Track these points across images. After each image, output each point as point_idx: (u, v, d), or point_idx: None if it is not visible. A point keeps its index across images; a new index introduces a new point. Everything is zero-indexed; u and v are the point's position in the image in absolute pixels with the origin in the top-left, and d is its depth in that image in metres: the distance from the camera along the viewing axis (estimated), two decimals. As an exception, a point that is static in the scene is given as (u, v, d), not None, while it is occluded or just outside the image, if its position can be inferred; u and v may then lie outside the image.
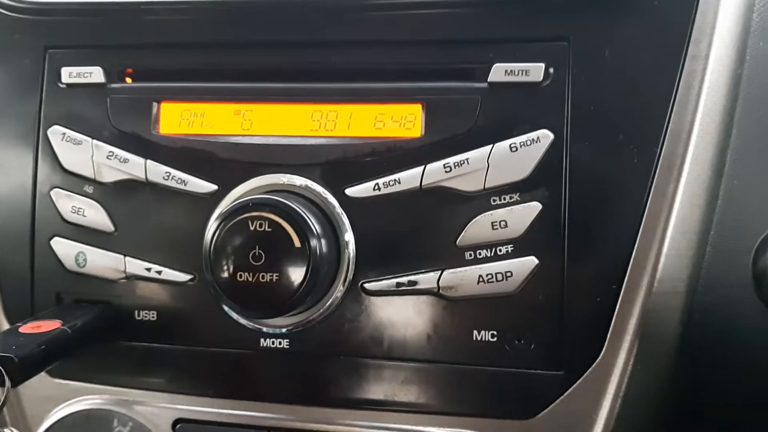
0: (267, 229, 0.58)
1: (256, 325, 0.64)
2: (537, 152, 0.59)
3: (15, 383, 0.55)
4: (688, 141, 0.59)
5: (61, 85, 0.69)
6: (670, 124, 0.59)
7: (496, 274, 0.60)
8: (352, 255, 0.62)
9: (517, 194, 0.60)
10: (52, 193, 0.68)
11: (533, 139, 0.59)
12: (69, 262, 0.68)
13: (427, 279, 0.61)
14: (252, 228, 0.58)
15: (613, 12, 0.60)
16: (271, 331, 0.64)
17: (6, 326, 0.70)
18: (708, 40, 0.59)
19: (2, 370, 0.54)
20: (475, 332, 0.61)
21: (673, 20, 0.59)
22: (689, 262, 0.59)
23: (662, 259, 0.58)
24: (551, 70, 0.60)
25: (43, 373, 0.62)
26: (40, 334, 0.59)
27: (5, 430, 0.67)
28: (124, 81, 0.69)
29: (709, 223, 0.60)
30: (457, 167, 0.60)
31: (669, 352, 0.60)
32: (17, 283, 0.69)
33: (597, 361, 0.59)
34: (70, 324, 0.62)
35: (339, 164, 0.63)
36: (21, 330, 0.60)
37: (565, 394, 0.60)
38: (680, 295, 0.59)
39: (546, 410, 0.60)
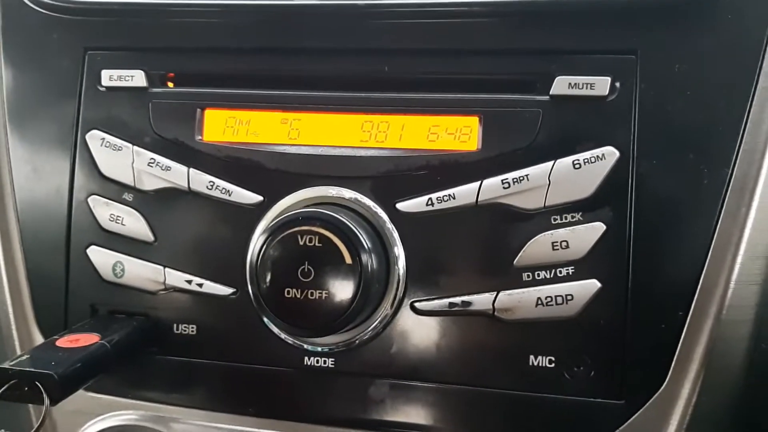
0: (317, 244, 0.55)
1: (299, 343, 0.62)
2: (602, 170, 0.57)
3: (54, 402, 0.53)
4: (761, 162, 0.56)
5: (101, 89, 0.67)
6: (743, 144, 0.56)
7: (555, 297, 0.57)
8: (402, 273, 0.60)
9: (580, 214, 0.57)
10: (89, 200, 0.66)
11: (598, 156, 0.57)
12: (106, 272, 0.66)
13: (482, 300, 0.58)
14: (301, 243, 0.56)
15: (683, 25, 0.57)
16: (314, 349, 0.62)
17: (38, 337, 0.68)
18: (784, 56, 0.56)
19: (41, 387, 0.52)
20: (532, 357, 0.58)
21: (746, 34, 0.57)
22: (759, 289, 0.56)
23: (732, 286, 0.56)
24: (618, 84, 0.57)
25: (76, 387, 0.59)
26: (79, 348, 0.57)
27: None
28: (166, 86, 0.66)
29: (780, 248, 0.57)
30: (516, 183, 0.58)
31: (736, 382, 0.57)
32: (51, 293, 0.67)
33: (660, 390, 0.56)
34: (108, 338, 0.59)
35: (390, 177, 0.60)
36: (58, 344, 0.58)
37: (626, 424, 0.57)
38: (749, 323, 0.56)
39: (605, 441, 0.57)
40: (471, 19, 0.60)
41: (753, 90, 0.56)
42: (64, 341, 0.59)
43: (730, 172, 0.56)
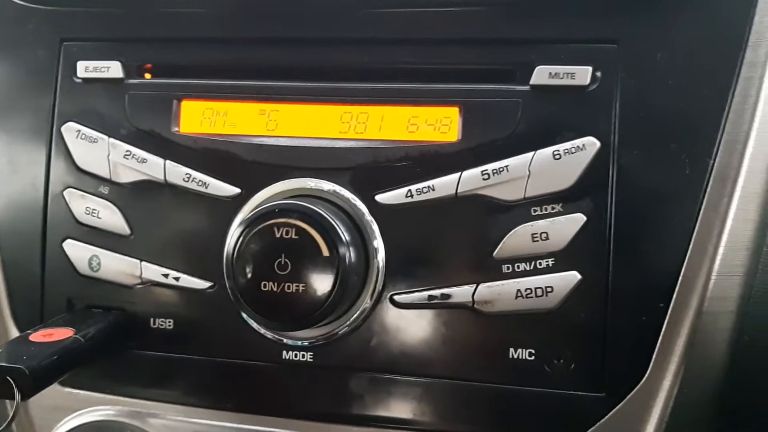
0: (294, 236, 0.55)
1: (278, 337, 0.61)
2: (582, 161, 0.56)
3: (25, 396, 0.52)
4: (743, 152, 0.55)
5: (77, 80, 0.66)
6: (725, 134, 0.55)
7: (535, 289, 0.56)
8: (381, 265, 0.59)
9: (560, 205, 0.56)
10: (65, 193, 0.65)
11: (578, 147, 0.56)
12: (82, 266, 0.65)
13: (461, 292, 0.57)
14: (278, 235, 0.55)
15: (665, 13, 0.56)
16: (293, 343, 0.61)
17: (14, 332, 0.67)
18: (766, 45, 0.55)
19: (12, 382, 0.51)
20: (512, 350, 0.57)
21: (728, 23, 0.56)
22: (741, 280, 0.56)
23: (713, 277, 0.55)
24: (599, 73, 0.56)
25: (52, 382, 0.58)
26: (52, 343, 0.56)
27: None
28: (143, 77, 0.65)
29: (761, 240, 0.56)
30: (495, 174, 0.57)
31: (717, 374, 0.56)
32: (27, 287, 0.66)
33: (641, 383, 0.56)
34: (83, 332, 0.59)
35: (369, 169, 0.59)
36: (31, 338, 0.57)
37: (606, 417, 0.56)
38: (730, 315, 0.56)
39: (585, 434, 0.57)
40: (451, 9, 0.59)
41: (735, 79, 0.55)
42: (38, 335, 0.58)
43: (711, 162, 0.55)
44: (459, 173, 0.58)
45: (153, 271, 0.63)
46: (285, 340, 0.61)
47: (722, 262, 0.55)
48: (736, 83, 0.55)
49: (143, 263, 0.63)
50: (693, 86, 0.56)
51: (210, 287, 0.62)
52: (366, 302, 0.59)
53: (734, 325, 0.56)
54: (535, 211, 0.57)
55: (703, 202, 0.55)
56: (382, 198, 0.59)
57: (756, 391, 0.58)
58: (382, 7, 0.60)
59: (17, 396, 0.51)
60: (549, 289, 0.56)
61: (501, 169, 0.57)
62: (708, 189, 0.55)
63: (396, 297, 0.59)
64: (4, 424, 0.54)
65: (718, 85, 0.55)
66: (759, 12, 0.56)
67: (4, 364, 0.52)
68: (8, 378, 0.51)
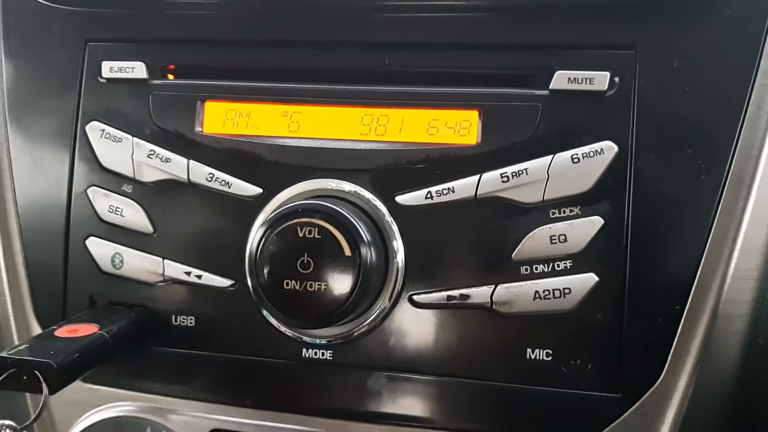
0: (316, 236, 0.56)
1: (297, 335, 0.62)
2: (600, 164, 0.57)
3: (53, 391, 0.53)
4: (758, 158, 0.56)
5: (101, 80, 0.67)
6: (741, 140, 0.56)
7: (553, 290, 0.57)
8: (401, 265, 0.60)
9: (578, 208, 0.57)
10: (88, 191, 0.66)
11: (596, 151, 0.57)
12: (105, 264, 0.66)
13: (479, 293, 0.58)
14: (301, 234, 0.56)
15: (682, 21, 0.57)
16: (312, 341, 0.62)
17: (36, 328, 0.68)
18: (782, 53, 0.56)
19: (40, 376, 0.52)
20: (529, 351, 0.58)
21: (745, 30, 0.57)
22: (755, 283, 0.57)
23: (728, 280, 0.56)
24: (617, 79, 0.57)
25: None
26: (78, 338, 0.57)
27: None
28: (166, 77, 0.66)
29: (776, 244, 0.57)
30: (515, 177, 0.58)
31: (732, 376, 0.57)
32: (49, 284, 0.67)
33: (656, 384, 0.57)
34: (107, 329, 0.59)
35: (390, 171, 0.60)
36: (57, 334, 0.58)
37: (622, 417, 0.57)
38: (745, 318, 0.57)
39: (602, 434, 0.57)
40: (472, 13, 0.60)
41: (751, 86, 0.56)
42: (63, 331, 0.59)
43: (727, 167, 0.56)
44: (478, 175, 0.59)
45: (175, 269, 0.64)
46: (305, 339, 0.62)
47: (737, 266, 0.56)
48: (752, 90, 0.56)
49: (166, 261, 0.64)
50: (709, 93, 0.57)
51: (231, 285, 0.63)
52: (385, 302, 0.60)
53: (748, 328, 0.57)
54: (553, 213, 0.58)
55: (718, 206, 0.56)
56: (402, 199, 0.60)
57: (769, 392, 0.59)
58: (403, 11, 0.61)
59: (45, 390, 0.52)
60: (567, 291, 0.57)
61: (520, 172, 0.58)
62: (723, 194, 0.56)
63: (415, 297, 0.60)
64: (32, 418, 0.55)
65: (734, 91, 0.56)
66: (775, 20, 0.57)
67: (32, 358, 0.53)
68: (36, 372, 0.52)
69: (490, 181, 0.58)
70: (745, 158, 0.56)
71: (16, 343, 0.67)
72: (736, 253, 0.56)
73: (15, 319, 0.68)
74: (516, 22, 0.60)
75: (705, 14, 0.57)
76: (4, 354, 0.54)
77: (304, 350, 0.62)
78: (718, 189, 0.56)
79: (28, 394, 0.68)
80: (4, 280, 0.68)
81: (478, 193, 0.59)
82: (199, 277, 0.63)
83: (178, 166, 0.63)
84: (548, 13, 0.59)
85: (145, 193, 0.65)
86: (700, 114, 0.57)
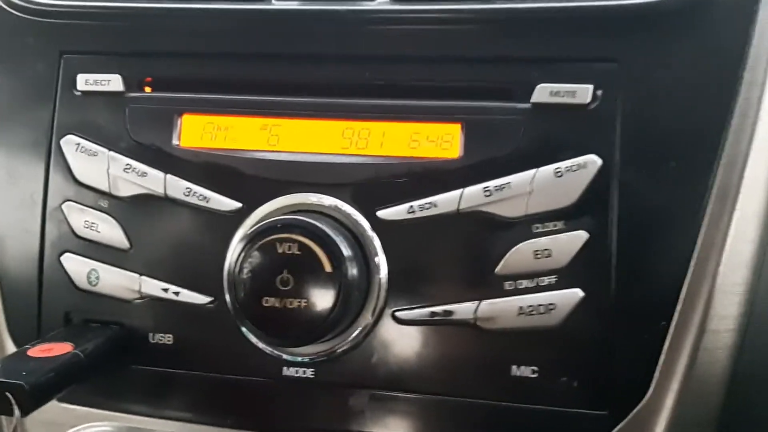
0: (296, 252, 0.54)
1: (278, 353, 0.61)
2: (584, 178, 0.56)
3: (25, 412, 0.52)
4: (743, 171, 0.56)
5: (77, 93, 0.65)
6: (725, 152, 0.56)
7: (537, 306, 0.56)
8: (383, 281, 0.59)
9: (562, 222, 0.56)
10: (63, 206, 0.65)
11: (580, 165, 0.56)
12: (80, 280, 0.64)
13: (463, 309, 0.57)
14: (280, 250, 0.54)
15: (664, 33, 0.57)
16: (293, 359, 0.61)
17: (10, 346, 0.66)
18: (765, 66, 0.56)
19: (11, 398, 0.50)
20: (514, 367, 0.57)
21: (728, 42, 0.56)
22: (742, 298, 0.56)
23: (715, 295, 0.55)
24: (599, 92, 0.57)
25: (49, 397, 0.58)
26: (52, 358, 0.56)
27: None
28: (143, 90, 0.65)
29: (761, 258, 0.56)
30: (497, 191, 0.57)
31: (718, 392, 0.57)
32: (24, 301, 0.66)
33: (644, 401, 0.56)
34: (82, 347, 0.58)
35: (371, 185, 0.59)
36: (30, 353, 0.57)
37: (609, 434, 0.56)
38: (732, 333, 0.56)
39: (587, 452, 0.56)
40: (453, 26, 0.60)
41: (734, 98, 0.56)
42: (36, 351, 0.57)
43: (712, 180, 0.55)
44: (461, 190, 0.58)
45: (152, 286, 0.62)
46: (285, 357, 0.61)
47: (723, 280, 0.55)
48: (736, 101, 0.56)
49: (142, 277, 0.63)
50: (693, 105, 0.56)
51: (210, 302, 0.61)
52: (368, 318, 0.59)
53: (735, 344, 0.56)
54: (537, 228, 0.57)
55: (703, 220, 0.55)
56: (383, 214, 0.59)
57: (757, 409, 0.58)
58: (384, 24, 0.61)
59: (17, 412, 0.51)
60: (551, 307, 0.56)
61: (503, 186, 0.57)
62: (708, 207, 0.55)
63: (398, 313, 0.59)
64: (3, 442, 0.53)
65: (718, 104, 0.56)
66: (758, 32, 0.56)
67: (3, 379, 0.52)
68: (7, 394, 0.51)
69: (472, 195, 0.58)
70: (729, 172, 0.55)
71: (-11, 361, 0.65)
72: (722, 268, 0.55)
73: (-13, 338, 0.67)
74: (497, 35, 0.59)
75: (688, 26, 0.56)
76: (-27, 376, 0.52)
77: (285, 368, 0.61)
78: (702, 202, 0.55)
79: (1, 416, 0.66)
80: (-23, 297, 0.67)
81: (460, 207, 0.58)
82: (177, 293, 0.62)
83: (155, 181, 0.62)
84: (530, 26, 0.59)
85: (122, 208, 0.63)
86: (684, 126, 0.56)
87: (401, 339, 0.59)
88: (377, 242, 0.59)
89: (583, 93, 0.57)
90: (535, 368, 0.57)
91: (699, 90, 0.56)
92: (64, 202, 0.65)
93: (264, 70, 0.63)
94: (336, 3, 0.62)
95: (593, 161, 0.56)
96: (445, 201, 0.58)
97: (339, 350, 0.60)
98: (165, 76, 0.65)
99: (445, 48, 0.60)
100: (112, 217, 0.64)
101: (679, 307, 0.55)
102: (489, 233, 0.58)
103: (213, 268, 0.61)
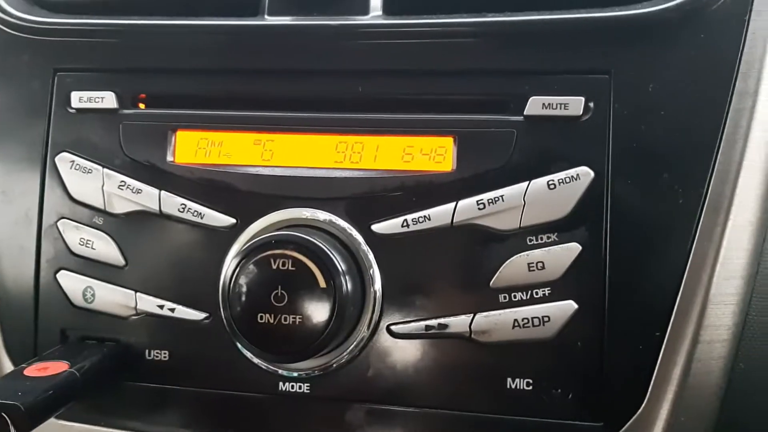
0: (290, 268, 0.54)
1: (274, 368, 0.61)
2: (577, 190, 0.56)
3: (21, 433, 0.51)
4: (735, 182, 0.56)
5: (71, 110, 0.66)
6: (717, 164, 0.56)
7: (532, 318, 0.56)
8: (378, 296, 0.59)
9: (556, 234, 0.57)
10: (59, 223, 0.65)
11: (573, 177, 0.56)
12: (76, 297, 0.64)
13: (458, 322, 0.58)
14: (274, 267, 0.55)
15: (656, 45, 0.57)
16: (289, 374, 0.61)
17: (7, 364, 0.66)
18: (757, 75, 0.56)
19: (7, 419, 0.51)
20: (509, 380, 0.57)
21: (719, 54, 0.57)
22: (735, 309, 0.56)
23: (708, 306, 0.55)
24: (591, 104, 0.57)
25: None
26: (48, 377, 0.56)
27: None
28: (137, 107, 0.65)
29: (754, 268, 0.56)
30: (491, 204, 0.57)
31: (713, 402, 0.57)
32: (20, 319, 0.66)
33: (638, 412, 0.56)
34: (78, 366, 0.58)
35: (365, 199, 0.60)
36: (26, 373, 0.57)
37: (604, 446, 0.56)
38: (726, 344, 0.56)
39: (583, 464, 0.57)
40: (444, 40, 0.60)
41: (726, 110, 0.56)
42: (32, 370, 0.57)
43: (704, 191, 0.56)
44: (454, 203, 0.58)
45: (148, 302, 0.63)
46: (281, 372, 0.61)
47: (716, 291, 0.55)
48: (728, 113, 0.56)
49: (138, 294, 0.63)
50: (685, 116, 0.56)
51: (205, 318, 0.62)
52: (363, 333, 0.59)
53: (729, 354, 0.56)
54: (530, 240, 0.57)
55: (696, 231, 0.55)
56: (378, 228, 0.59)
57: (751, 419, 0.58)
58: (376, 38, 0.61)
59: (12, 433, 0.51)
60: (546, 319, 0.56)
61: (496, 199, 0.57)
62: (701, 218, 0.55)
63: (393, 327, 0.59)
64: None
65: (710, 115, 0.56)
66: (749, 43, 0.56)
67: (-1, 400, 0.51)
68: (4, 415, 0.51)
69: (466, 208, 0.58)
70: (722, 182, 0.56)
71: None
72: (715, 279, 0.55)
73: (-16, 356, 0.67)
74: (490, 49, 0.59)
75: (679, 38, 0.57)
76: (-30, 396, 0.52)
77: (281, 384, 0.61)
78: (695, 213, 0.55)
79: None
80: (-27, 316, 0.67)
81: (454, 220, 0.58)
82: (172, 310, 0.62)
83: (150, 197, 0.62)
84: (522, 39, 0.59)
85: (117, 225, 0.64)
86: (676, 138, 0.56)
87: (397, 353, 0.59)
88: (372, 256, 0.59)
89: (575, 105, 0.57)
90: (530, 380, 0.57)
91: (691, 101, 0.57)
92: (59, 219, 0.65)
93: (258, 85, 0.63)
94: (329, 18, 0.62)
95: (586, 173, 0.56)
96: (439, 214, 0.58)
97: (335, 365, 0.60)
98: (159, 92, 0.65)
99: (437, 61, 0.60)
100: (108, 234, 0.64)
101: (672, 318, 0.55)
102: (483, 246, 0.58)
103: (208, 285, 0.61)
